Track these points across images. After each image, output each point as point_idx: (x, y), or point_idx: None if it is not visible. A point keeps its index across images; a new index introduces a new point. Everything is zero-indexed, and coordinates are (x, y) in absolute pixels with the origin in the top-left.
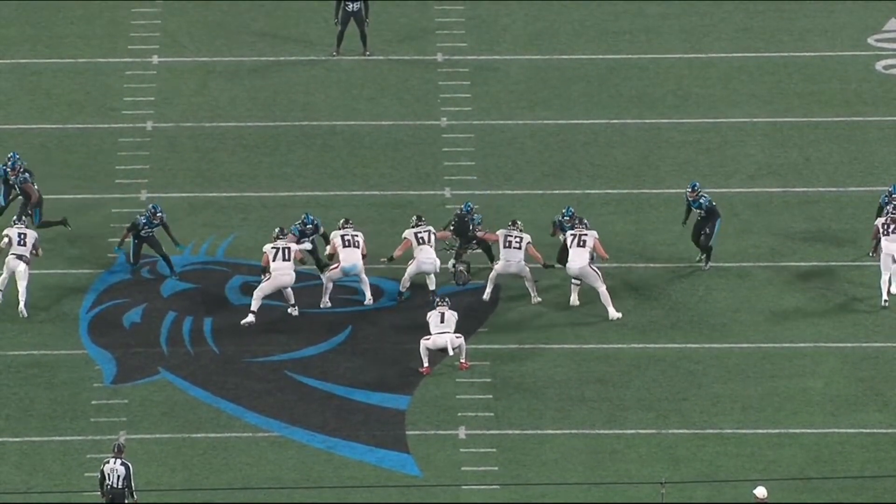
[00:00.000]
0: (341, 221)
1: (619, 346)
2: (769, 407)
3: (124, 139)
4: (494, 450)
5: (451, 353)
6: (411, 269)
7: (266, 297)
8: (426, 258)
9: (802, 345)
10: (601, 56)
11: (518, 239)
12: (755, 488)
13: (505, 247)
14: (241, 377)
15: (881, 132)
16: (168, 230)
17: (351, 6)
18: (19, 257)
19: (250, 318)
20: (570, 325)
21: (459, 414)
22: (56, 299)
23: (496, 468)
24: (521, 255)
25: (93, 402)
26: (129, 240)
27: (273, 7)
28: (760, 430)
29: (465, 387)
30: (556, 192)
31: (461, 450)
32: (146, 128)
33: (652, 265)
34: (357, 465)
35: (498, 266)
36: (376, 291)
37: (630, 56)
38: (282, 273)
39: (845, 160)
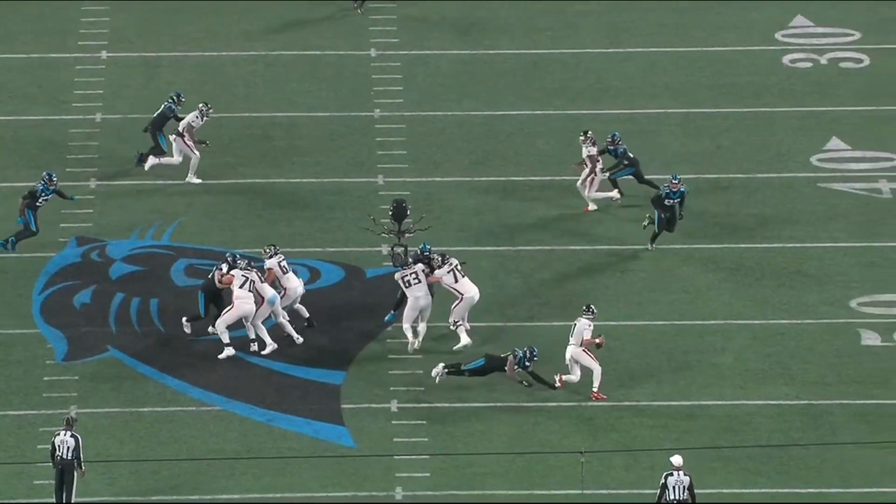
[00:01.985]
0: (271, 249)
1: (542, 323)
2: (682, 381)
3: (75, 130)
4: (424, 422)
5: None
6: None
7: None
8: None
9: (713, 322)
10: (525, 51)
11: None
12: (671, 457)
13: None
14: (186, 355)
15: (787, 122)
16: (62, 195)
17: None
18: None
19: (229, 350)
20: (497, 304)
21: (392, 388)
22: (10, 282)
23: (426, 439)
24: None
25: (45, 379)
26: (28, 209)
27: (215, 6)
28: (674, 403)
29: (397, 363)
30: (483, 179)
31: (393, 422)
32: (95, 119)
33: (572, 248)
34: (295, 436)
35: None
36: (314, 273)
37: (552, 51)
38: (244, 301)
39: (754, 148)
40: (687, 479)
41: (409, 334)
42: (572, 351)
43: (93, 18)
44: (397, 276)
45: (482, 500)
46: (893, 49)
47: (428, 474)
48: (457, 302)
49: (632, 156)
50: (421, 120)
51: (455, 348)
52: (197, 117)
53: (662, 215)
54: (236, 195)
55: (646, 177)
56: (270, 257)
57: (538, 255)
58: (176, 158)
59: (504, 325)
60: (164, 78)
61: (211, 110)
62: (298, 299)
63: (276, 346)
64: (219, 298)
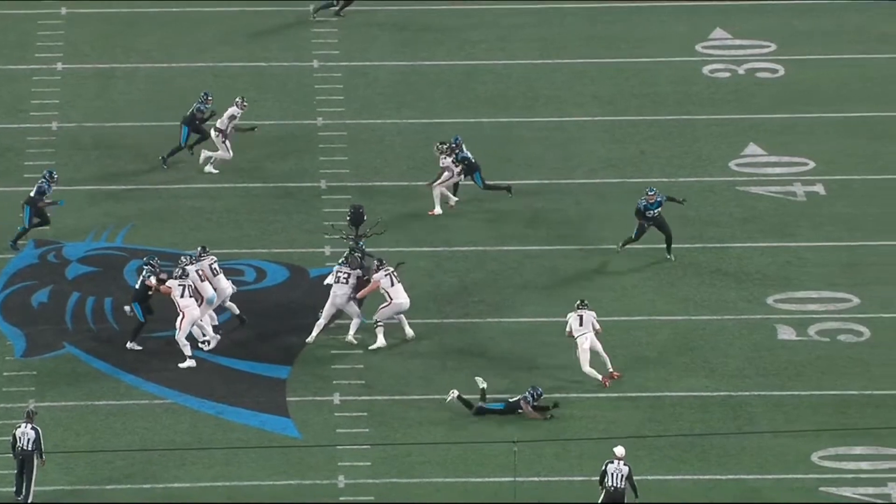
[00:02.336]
0: (198, 251)
1: (477, 320)
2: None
3: (32, 138)
4: (366, 414)
5: (587, 352)
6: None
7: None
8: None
9: (639, 318)
10: (460, 62)
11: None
12: (615, 447)
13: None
14: (139, 351)
15: (707, 129)
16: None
17: None
18: None
19: (191, 362)
20: (434, 301)
21: (334, 382)
22: None
23: (367, 430)
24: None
25: (4, 374)
26: (27, 206)
27: (167, 20)
28: (601, 394)
29: (340, 357)
30: (420, 183)
31: (336, 414)
32: (52, 128)
33: (504, 248)
34: (243, 428)
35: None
36: (260, 273)
37: (486, 62)
38: (191, 308)
39: (676, 154)
40: (626, 468)
41: (316, 330)
42: (591, 340)
43: (49, 32)
44: (338, 267)
45: (421, 488)
46: (807, 60)
47: (369, 463)
48: (385, 304)
49: (473, 161)
50: (361, 128)
51: (370, 347)
52: (237, 110)
53: (645, 225)
54: (186, 199)
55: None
56: (195, 262)
57: (472, 256)
58: (228, 154)
59: (440, 322)
60: (117, 88)
61: (246, 103)
62: (228, 299)
63: (218, 337)
64: (147, 301)
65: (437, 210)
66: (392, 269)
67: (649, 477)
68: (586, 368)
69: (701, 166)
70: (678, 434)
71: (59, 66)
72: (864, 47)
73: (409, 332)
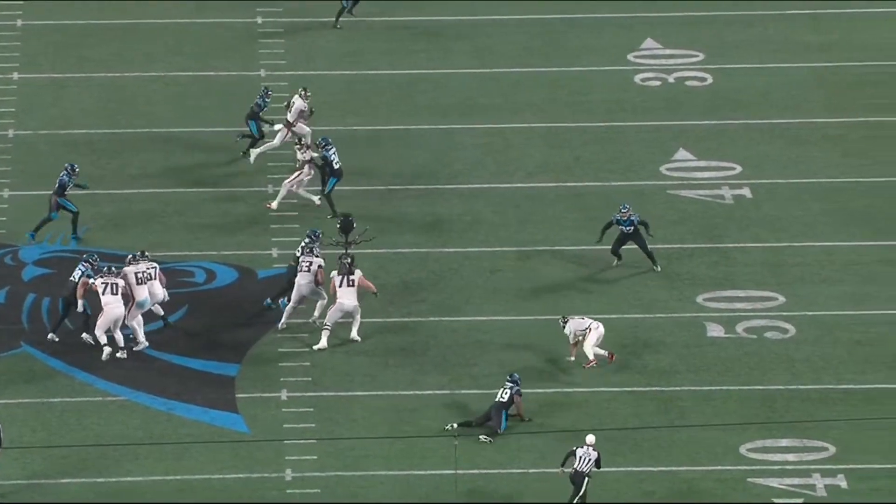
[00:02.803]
0: (137, 254)
1: (419, 319)
2: (547, 369)
3: None
4: (312, 409)
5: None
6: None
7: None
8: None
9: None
10: (402, 71)
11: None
12: (587, 436)
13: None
14: (92, 350)
15: (638, 135)
16: (80, 186)
17: None
18: None
19: (107, 349)
20: (379, 301)
21: (282, 379)
22: None
23: (314, 425)
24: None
25: None
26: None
27: (119, 31)
28: (539, 390)
29: (287, 355)
30: (365, 187)
31: (283, 410)
32: (8, 135)
33: (445, 250)
34: (193, 423)
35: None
36: (210, 274)
37: (427, 71)
38: (113, 306)
39: (609, 159)
40: (595, 454)
41: (286, 314)
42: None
43: (5, 43)
44: (301, 258)
45: (365, 480)
46: (734, 69)
47: (315, 457)
48: (332, 305)
49: (336, 166)
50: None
51: (314, 348)
52: (304, 102)
53: (615, 243)
54: (138, 203)
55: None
56: (133, 264)
57: (414, 257)
58: (276, 142)
59: (384, 321)
60: (71, 97)
61: (309, 94)
62: (157, 302)
63: (147, 344)
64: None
65: (274, 205)
66: (352, 274)
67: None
68: (588, 351)
69: (633, 171)
70: (612, 428)
71: (16, 75)
72: (787, 56)
73: (355, 334)
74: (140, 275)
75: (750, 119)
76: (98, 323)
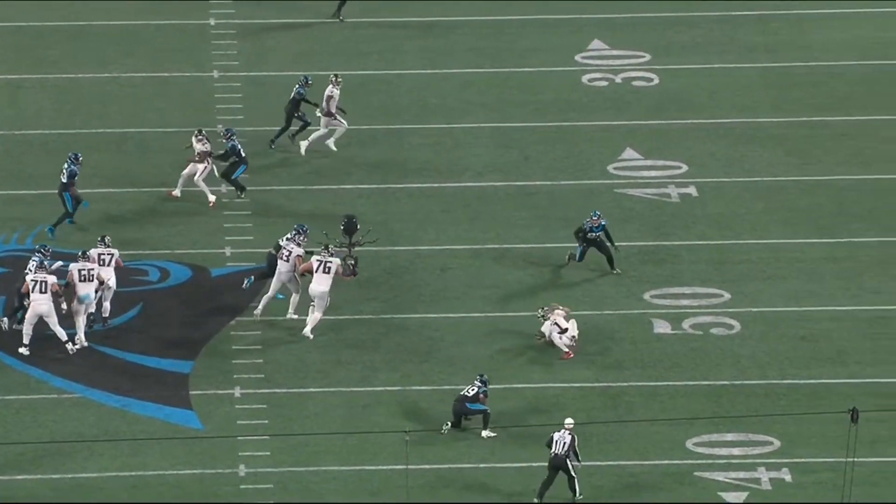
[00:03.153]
0: (86, 250)
1: (370, 316)
2: (496, 366)
3: None
4: (265, 406)
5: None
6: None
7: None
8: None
9: (524, 314)
10: (354, 72)
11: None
12: (566, 419)
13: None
14: (48, 347)
15: (587, 135)
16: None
17: None
18: None
19: (22, 349)
20: (331, 300)
21: (235, 376)
22: None
23: (266, 421)
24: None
25: None
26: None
27: (73, 32)
28: (489, 386)
29: (240, 353)
30: (318, 187)
31: (237, 406)
32: None
33: (397, 248)
34: (148, 420)
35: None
36: (164, 273)
37: (378, 72)
38: (38, 303)
39: (558, 158)
40: (569, 437)
41: (263, 302)
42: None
43: None
44: (282, 246)
45: (317, 475)
46: (679, 69)
47: (268, 453)
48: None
49: (243, 154)
50: (261, 134)
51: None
52: (335, 88)
53: (584, 248)
54: (93, 203)
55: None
56: (81, 260)
57: (366, 255)
58: (323, 130)
59: (336, 319)
60: (26, 98)
61: (340, 80)
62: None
63: (85, 344)
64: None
65: (177, 192)
66: (329, 259)
67: (534, 464)
68: (558, 342)
69: (581, 170)
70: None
71: None
72: (732, 57)
73: (293, 314)
74: (84, 272)
75: (696, 119)
76: (26, 319)
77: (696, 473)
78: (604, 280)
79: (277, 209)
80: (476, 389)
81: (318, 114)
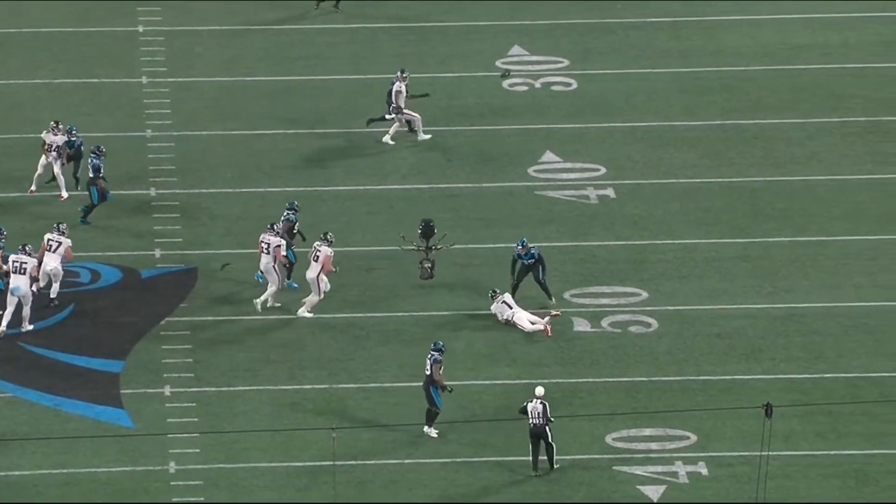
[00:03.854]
0: (21, 245)
1: (299, 316)
2: (421, 364)
3: None
4: (195, 404)
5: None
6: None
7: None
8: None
9: (447, 313)
10: (280, 78)
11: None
12: (536, 388)
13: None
14: None
15: (509, 137)
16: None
17: None
18: None
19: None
20: (257, 298)
21: (165, 375)
22: None
23: (196, 419)
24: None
25: None
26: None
27: (2, 38)
28: (414, 384)
29: (170, 352)
30: (244, 190)
31: (167, 405)
32: None
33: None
34: (79, 419)
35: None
36: (95, 274)
37: (304, 77)
38: None
39: (479, 161)
40: (541, 406)
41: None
42: (524, 314)
43: None
44: (262, 237)
45: (246, 472)
46: (596, 74)
47: (198, 450)
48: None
49: (82, 150)
50: (188, 139)
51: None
52: (401, 84)
53: (517, 280)
54: (25, 206)
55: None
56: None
57: (293, 257)
58: (400, 126)
59: (264, 319)
60: None
61: (406, 74)
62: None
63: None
64: None
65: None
66: (320, 248)
67: (458, 459)
68: (529, 328)
69: (502, 172)
70: (483, 419)
71: None
72: (648, 62)
73: (269, 300)
74: (17, 264)
75: (613, 122)
76: None
77: (615, 468)
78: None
79: (206, 211)
80: (429, 363)
81: (389, 114)
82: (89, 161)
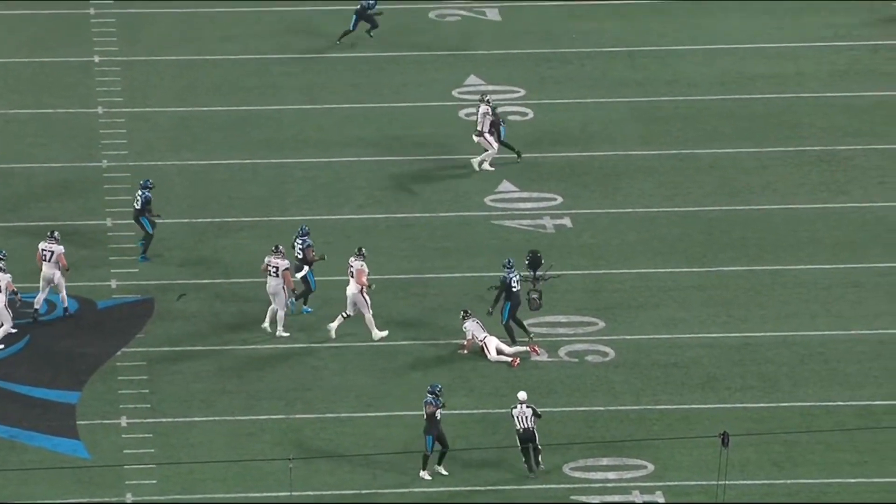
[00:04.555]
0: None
1: (255, 346)
2: (378, 394)
3: None
4: (151, 435)
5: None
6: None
7: None
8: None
9: (404, 343)
10: (235, 108)
11: (275, 268)
12: (518, 393)
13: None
14: None
15: (464, 168)
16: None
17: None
18: None
19: None
20: (214, 331)
21: (121, 406)
22: None
23: (153, 450)
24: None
25: None
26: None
27: None
28: (371, 414)
29: (126, 383)
30: (200, 220)
31: (123, 436)
32: None
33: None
34: (36, 450)
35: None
36: (51, 305)
37: (259, 107)
38: None
39: (437, 191)
40: (529, 410)
41: (275, 319)
42: (494, 340)
43: None
44: (270, 260)
45: (203, 502)
46: (553, 104)
47: (155, 481)
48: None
49: None
50: (144, 169)
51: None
52: (486, 108)
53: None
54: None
55: None
56: None
57: (249, 286)
58: (492, 150)
59: (220, 349)
60: None
61: (488, 97)
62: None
63: None
64: None
65: None
66: (353, 263)
67: (415, 490)
68: (494, 357)
69: (459, 202)
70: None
71: None
72: (604, 92)
73: (377, 333)
74: None
75: (569, 152)
76: None
77: (572, 497)
78: (482, 309)
79: (163, 242)
80: (432, 406)
81: (474, 137)
82: (140, 194)
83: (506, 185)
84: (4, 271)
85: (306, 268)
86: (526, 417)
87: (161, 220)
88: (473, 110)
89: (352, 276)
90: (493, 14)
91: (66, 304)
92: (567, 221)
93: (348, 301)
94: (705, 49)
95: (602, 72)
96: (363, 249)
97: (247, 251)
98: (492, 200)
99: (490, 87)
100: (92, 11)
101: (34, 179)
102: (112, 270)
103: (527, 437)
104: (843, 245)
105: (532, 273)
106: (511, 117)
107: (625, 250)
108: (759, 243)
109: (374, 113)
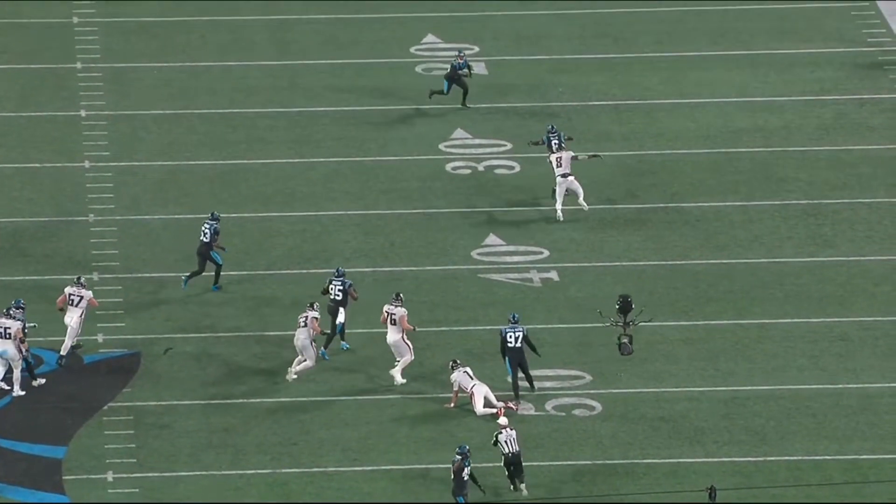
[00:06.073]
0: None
1: (241, 400)
2: (364, 448)
3: None
4: (137, 490)
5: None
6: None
7: None
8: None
9: (391, 396)
10: (222, 161)
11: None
12: (498, 419)
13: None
14: None
15: (451, 221)
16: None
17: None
18: None
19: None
20: (201, 383)
21: (108, 461)
22: None
23: None
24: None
25: None
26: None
27: None
28: (358, 468)
29: (112, 438)
30: (187, 274)
31: (109, 491)
32: None
33: (266, 333)
34: None
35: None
36: (38, 360)
37: (246, 161)
38: None
39: (423, 244)
40: (514, 433)
41: (295, 366)
42: (484, 388)
43: None
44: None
45: None
46: (538, 157)
47: None
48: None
49: None
50: (131, 223)
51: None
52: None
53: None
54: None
55: None
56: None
57: (237, 341)
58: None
59: (207, 403)
60: None
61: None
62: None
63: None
64: None
65: None
66: (394, 310)
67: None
68: (480, 411)
69: (445, 255)
70: (427, 503)
71: None
72: (590, 145)
73: (397, 376)
74: (2, 329)
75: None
76: None
77: None
78: (469, 362)
79: (150, 295)
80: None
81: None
82: (207, 226)
83: (493, 239)
84: (14, 318)
85: (342, 310)
86: (512, 440)
87: (148, 276)
88: (461, 164)
89: (392, 324)
90: (479, 68)
91: (63, 353)
92: (554, 275)
93: (391, 348)
94: (691, 103)
95: (587, 125)
96: (401, 295)
97: (233, 305)
98: (478, 254)
99: (477, 141)
100: (79, 66)
101: (21, 234)
102: (98, 324)
103: (514, 460)
104: (830, 298)
105: (623, 318)
106: (498, 171)
107: (612, 304)
108: (746, 297)
109: (360, 166)
